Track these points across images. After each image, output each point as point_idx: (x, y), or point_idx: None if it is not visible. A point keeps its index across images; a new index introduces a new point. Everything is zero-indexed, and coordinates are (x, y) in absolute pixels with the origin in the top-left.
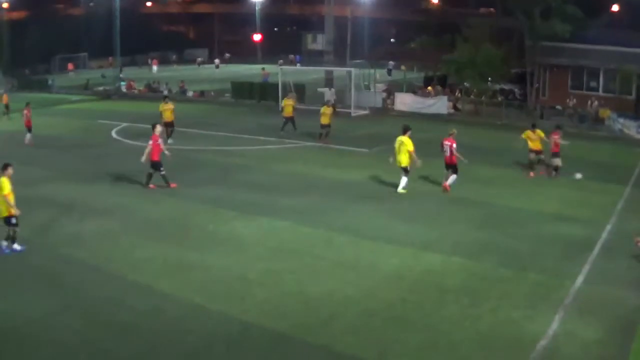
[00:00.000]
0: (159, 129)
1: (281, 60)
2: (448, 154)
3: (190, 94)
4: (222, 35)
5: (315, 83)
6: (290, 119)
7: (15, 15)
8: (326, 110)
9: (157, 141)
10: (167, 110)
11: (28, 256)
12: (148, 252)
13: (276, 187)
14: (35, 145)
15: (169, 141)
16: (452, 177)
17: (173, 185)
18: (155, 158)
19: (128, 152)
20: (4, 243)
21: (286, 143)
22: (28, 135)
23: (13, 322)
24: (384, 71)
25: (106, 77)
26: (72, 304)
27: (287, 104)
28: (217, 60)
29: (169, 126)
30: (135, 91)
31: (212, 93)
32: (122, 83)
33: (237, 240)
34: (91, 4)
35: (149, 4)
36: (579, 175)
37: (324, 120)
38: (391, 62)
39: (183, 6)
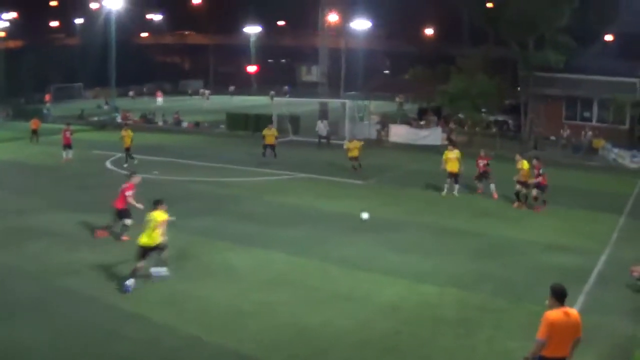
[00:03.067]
0: (136, 179)
1: (273, 92)
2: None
3: (184, 124)
4: (217, 66)
5: (310, 114)
6: (271, 147)
7: (12, 44)
8: (353, 145)
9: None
10: (127, 136)
11: (21, 285)
12: (143, 282)
13: (270, 218)
14: (30, 174)
15: (155, 172)
16: (492, 186)
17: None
18: (121, 206)
19: (121, 184)
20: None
21: (279, 175)
22: (65, 153)
23: (5, 351)
24: (380, 102)
25: (102, 108)
26: (66, 334)
27: (269, 134)
28: (206, 91)
29: (127, 151)
30: (130, 122)
31: (207, 124)
32: (116, 114)
33: (231, 271)
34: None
35: (144, 34)
36: (365, 215)
37: (353, 153)
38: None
39: (178, 37)
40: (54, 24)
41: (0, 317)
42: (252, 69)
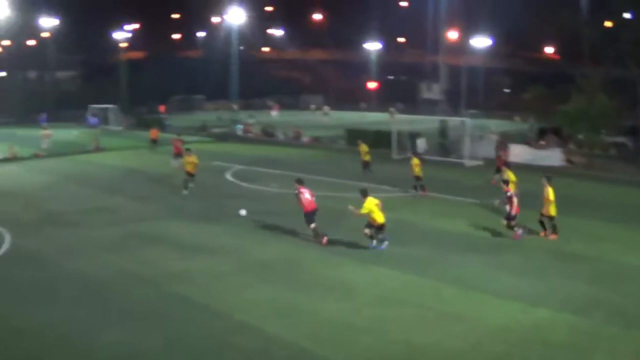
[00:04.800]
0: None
1: (392, 109)
2: None
3: (304, 139)
4: (337, 82)
5: (430, 132)
6: (366, 164)
7: (134, 55)
8: (415, 162)
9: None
10: (191, 163)
11: (137, 290)
12: (257, 293)
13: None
14: (150, 183)
15: (273, 185)
16: None
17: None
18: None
19: (241, 195)
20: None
21: (395, 191)
22: (174, 162)
23: (119, 354)
24: (499, 122)
25: (222, 120)
26: (177, 340)
27: (363, 150)
28: (326, 107)
29: (190, 176)
30: (251, 135)
31: (326, 139)
32: (239, 127)
33: (345, 286)
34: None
35: (266, 49)
36: (243, 212)
37: (417, 171)
38: None
39: (299, 52)
40: (176, 36)
41: (115, 320)
42: (372, 85)
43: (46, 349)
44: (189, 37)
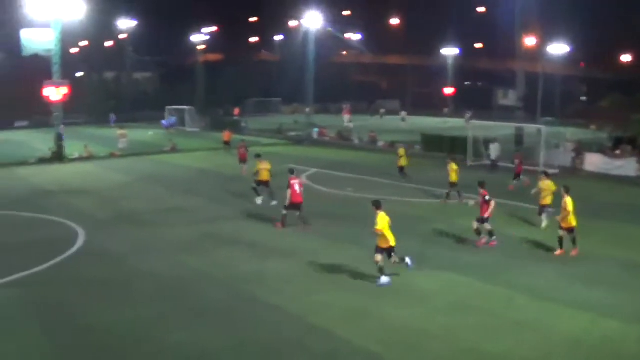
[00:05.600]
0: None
1: (469, 114)
2: None
3: (380, 144)
4: (413, 87)
5: (506, 139)
6: (402, 169)
7: (211, 57)
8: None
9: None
10: (264, 169)
11: (210, 291)
12: (328, 296)
13: (457, 241)
14: (224, 184)
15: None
16: None
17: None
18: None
19: (316, 198)
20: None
21: (468, 198)
22: (244, 167)
23: (191, 352)
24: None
25: (298, 123)
26: (248, 341)
27: (401, 155)
28: (404, 112)
29: (265, 185)
30: (327, 138)
31: (402, 144)
32: (315, 130)
33: (416, 292)
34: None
35: (343, 53)
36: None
37: (453, 177)
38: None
39: (376, 57)
40: (253, 39)
41: (188, 320)
42: (449, 90)
43: (116, 346)
44: (266, 40)
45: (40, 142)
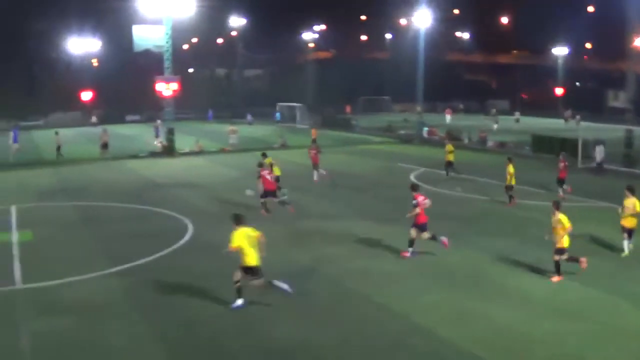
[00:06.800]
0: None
1: (578, 116)
2: None
3: (489, 143)
4: (523, 86)
5: (617, 141)
6: (449, 164)
7: (322, 54)
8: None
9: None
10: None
11: (317, 287)
12: (435, 296)
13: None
14: (337, 180)
15: (457, 189)
16: None
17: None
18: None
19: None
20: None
21: (579, 201)
22: (316, 172)
23: (295, 347)
24: None
25: (408, 122)
26: (352, 338)
27: (449, 151)
28: (517, 113)
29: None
30: (437, 137)
31: (512, 145)
32: (425, 128)
33: (524, 295)
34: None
35: (453, 52)
36: (249, 192)
37: (509, 179)
38: None
39: (486, 56)
40: (363, 37)
41: (295, 314)
42: (559, 91)
43: (220, 339)
44: (376, 38)
45: (151, 136)
